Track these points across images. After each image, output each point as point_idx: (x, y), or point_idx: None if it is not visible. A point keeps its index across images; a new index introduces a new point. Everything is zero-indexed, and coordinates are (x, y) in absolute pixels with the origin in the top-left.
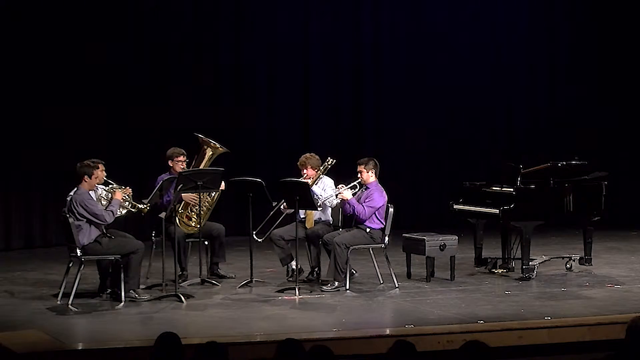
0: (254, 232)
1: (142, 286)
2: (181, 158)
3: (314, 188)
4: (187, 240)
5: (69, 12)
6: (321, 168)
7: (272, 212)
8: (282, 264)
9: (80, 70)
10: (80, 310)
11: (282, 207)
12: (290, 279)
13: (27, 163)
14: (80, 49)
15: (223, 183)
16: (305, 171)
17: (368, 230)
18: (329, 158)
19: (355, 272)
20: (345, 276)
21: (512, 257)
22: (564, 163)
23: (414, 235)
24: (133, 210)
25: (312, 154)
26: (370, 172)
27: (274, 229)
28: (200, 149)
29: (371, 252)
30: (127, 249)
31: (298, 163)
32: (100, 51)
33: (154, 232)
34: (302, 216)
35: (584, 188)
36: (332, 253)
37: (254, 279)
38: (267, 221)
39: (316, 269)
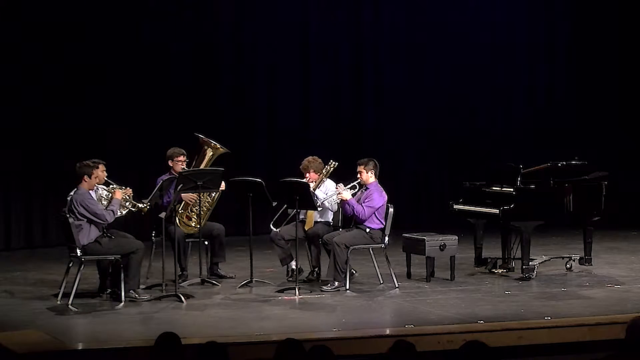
0: (271, 223)
1: (142, 286)
2: (181, 158)
3: (317, 192)
4: (187, 240)
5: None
6: (323, 171)
7: (285, 205)
8: (282, 264)
9: (80, 69)
10: (80, 310)
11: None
12: (290, 279)
13: (27, 163)
14: (78, 48)
15: (223, 183)
16: (307, 175)
17: (368, 230)
18: (331, 161)
19: (355, 272)
20: (345, 276)
21: (512, 257)
22: (564, 163)
23: (414, 235)
24: (133, 210)
25: (314, 157)
26: (369, 172)
27: (289, 219)
28: (200, 150)
29: (371, 252)
30: (127, 249)
31: (301, 167)
32: (99, 51)
33: (154, 232)
34: (301, 217)
35: (584, 188)
36: (332, 253)
37: (254, 279)
38: (281, 212)
39: (316, 269)
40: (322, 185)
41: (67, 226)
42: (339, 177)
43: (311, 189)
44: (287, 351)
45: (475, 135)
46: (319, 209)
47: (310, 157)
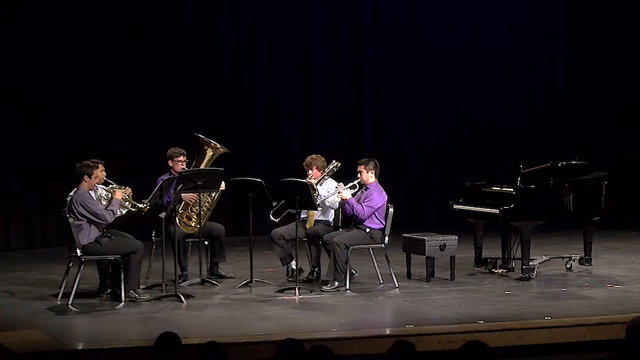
0: (271, 212)
1: (142, 286)
2: (181, 158)
3: (320, 189)
4: (187, 240)
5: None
6: (326, 170)
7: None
8: (282, 263)
9: (80, 69)
10: (80, 310)
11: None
12: (290, 279)
13: (27, 163)
14: (78, 48)
15: (223, 183)
16: (310, 172)
17: (368, 230)
18: (334, 161)
19: (355, 272)
20: (345, 276)
21: (512, 257)
22: (564, 163)
23: (414, 235)
24: (133, 210)
25: (317, 155)
26: (370, 172)
27: (286, 215)
28: (200, 150)
29: (371, 252)
30: (127, 249)
31: (304, 164)
32: (97, 51)
33: (154, 232)
34: (303, 216)
35: (584, 188)
36: (332, 253)
37: (254, 279)
38: (282, 204)
39: (316, 269)
40: (324, 183)
41: (67, 226)
42: (339, 177)
43: (313, 185)
44: (287, 351)
45: (476, 134)
46: (319, 208)
47: (314, 154)
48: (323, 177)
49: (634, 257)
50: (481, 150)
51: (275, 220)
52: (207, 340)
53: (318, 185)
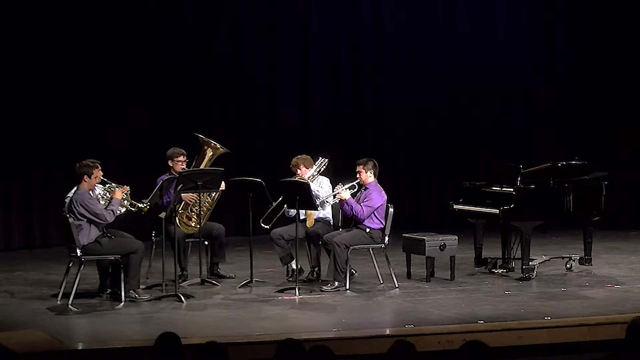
0: (261, 220)
1: (142, 286)
2: (181, 158)
3: (312, 185)
4: (187, 240)
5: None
6: (314, 166)
7: (276, 203)
8: (282, 263)
9: (80, 69)
10: (80, 310)
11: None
12: (290, 279)
13: (27, 163)
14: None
15: (223, 183)
16: (299, 171)
17: (368, 230)
18: (320, 158)
19: (355, 272)
20: (345, 276)
21: (512, 257)
22: (564, 163)
23: (414, 235)
24: (133, 209)
25: (303, 155)
26: (368, 172)
27: (279, 215)
28: (200, 150)
29: (371, 252)
30: (127, 249)
31: (291, 166)
32: (99, 51)
33: (154, 232)
34: (302, 216)
35: (584, 188)
36: (332, 253)
37: (254, 279)
38: (272, 210)
39: (316, 269)
40: (315, 180)
41: (67, 226)
42: (339, 176)
43: (307, 181)
44: (287, 351)
45: (475, 135)
46: (319, 209)
47: (299, 155)
48: (312, 174)
49: (634, 257)
50: (481, 150)
51: (266, 226)
52: (207, 340)
53: (310, 182)
